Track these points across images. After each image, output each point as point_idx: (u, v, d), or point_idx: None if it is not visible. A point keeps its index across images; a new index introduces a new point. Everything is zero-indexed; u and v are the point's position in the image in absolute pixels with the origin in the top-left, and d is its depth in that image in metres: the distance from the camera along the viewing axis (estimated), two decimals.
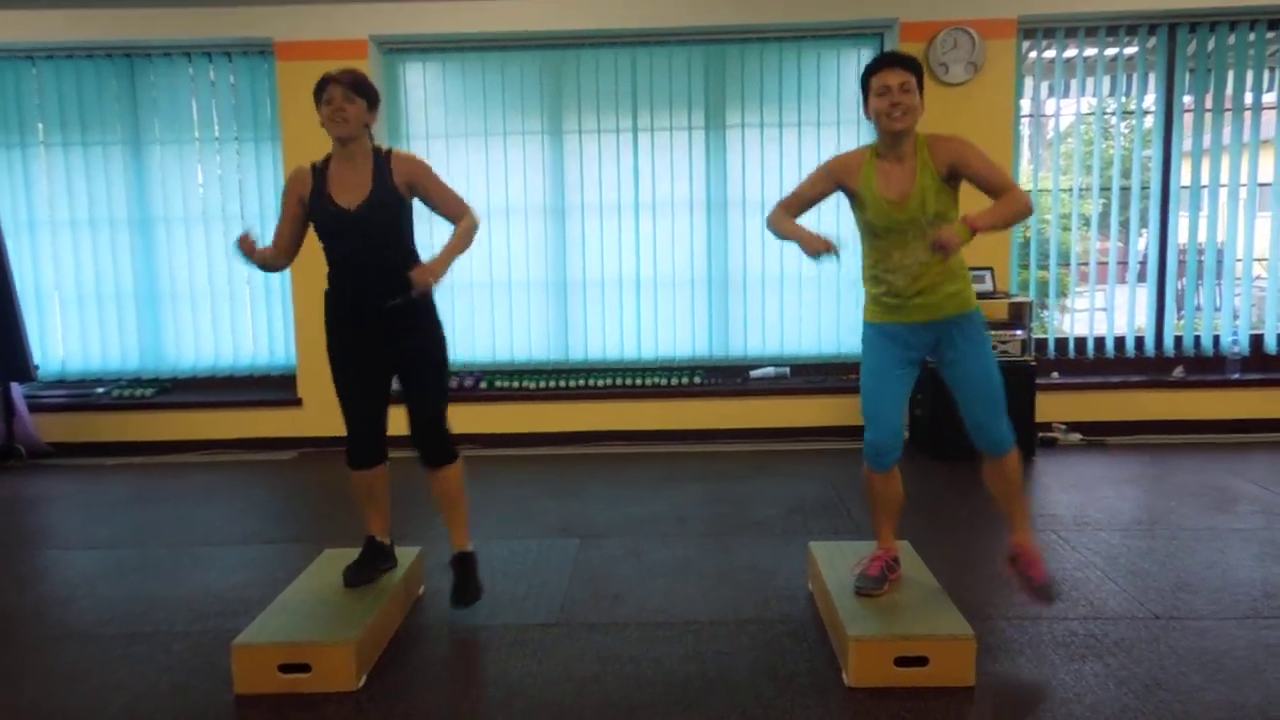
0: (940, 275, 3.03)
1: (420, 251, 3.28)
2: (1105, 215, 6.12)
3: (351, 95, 3.07)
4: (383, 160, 3.17)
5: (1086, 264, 6.14)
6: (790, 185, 6.05)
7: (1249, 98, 5.95)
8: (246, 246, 3.14)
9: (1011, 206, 2.91)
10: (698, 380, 6.17)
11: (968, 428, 3.15)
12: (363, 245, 3.15)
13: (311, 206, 3.18)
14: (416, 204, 3.27)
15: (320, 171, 3.19)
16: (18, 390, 5.98)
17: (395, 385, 3.33)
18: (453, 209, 3.26)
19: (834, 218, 5.23)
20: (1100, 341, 6.20)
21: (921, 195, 2.97)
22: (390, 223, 3.17)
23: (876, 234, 3.06)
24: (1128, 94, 6.09)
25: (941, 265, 3.02)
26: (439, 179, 3.26)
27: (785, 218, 3.16)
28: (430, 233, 3.83)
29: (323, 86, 3.09)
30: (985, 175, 2.97)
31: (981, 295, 5.54)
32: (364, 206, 3.11)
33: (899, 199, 2.98)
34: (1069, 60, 5.99)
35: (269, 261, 3.28)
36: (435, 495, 3.42)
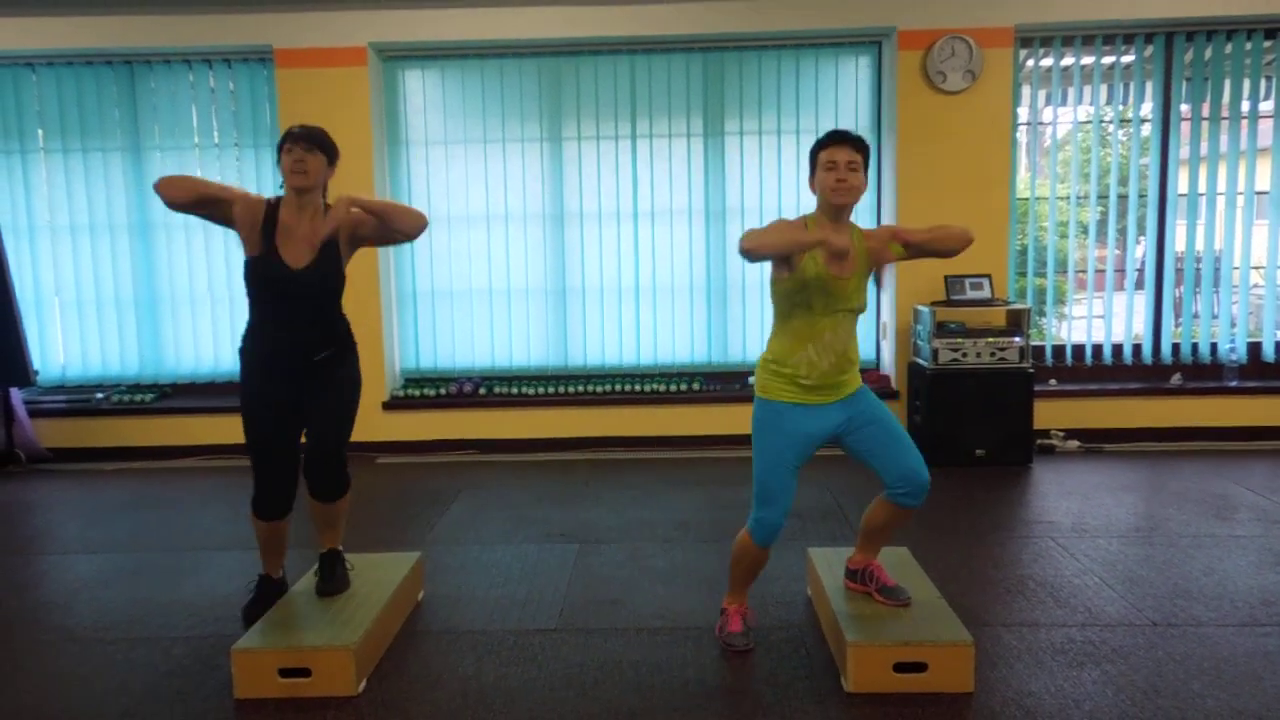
0: (849, 359, 3.03)
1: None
2: (1103, 223, 6.14)
3: (313, 149, 3.11)
4: (330, 231, 3.12)
5: (1084, 271, 6.15)
6: (789, 192, 6.14)
7: (1246, 106, 5.97)
8: None
9: (948, 229, 2.99)
10: (697, 386, 6.18)
11: (898, 478, 3.03)
12: (303, 305, 3.17)
13: (256, 260, 3.14)
14: None
15: (270, 216, 3.15)
16: (17, 395, 5.99)
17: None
18: (401, 211, 3.21)
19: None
20: (1098, 349, 6.21)
21: (859, 276, 3.01)
22: (332, 286, 3.22)
23: (813, 309, 2.97)
24: (1125, 102, 6.12)
25: (853, 346, 3.05)
26: (368, 212, 3.17)
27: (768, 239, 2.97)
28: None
29: (286, 139, 3.13)
30: (919, 229, 3.04)
31: (979, 303, 5.61)
32: (309, 269, 3.14)
33: (840, 274, 2.97)
34: (1066, 68, 6.02)
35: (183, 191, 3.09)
36: (316, 518, 3.40)
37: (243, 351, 3.27)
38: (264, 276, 3.15)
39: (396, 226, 3.17)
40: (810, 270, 2.95)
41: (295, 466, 3.32)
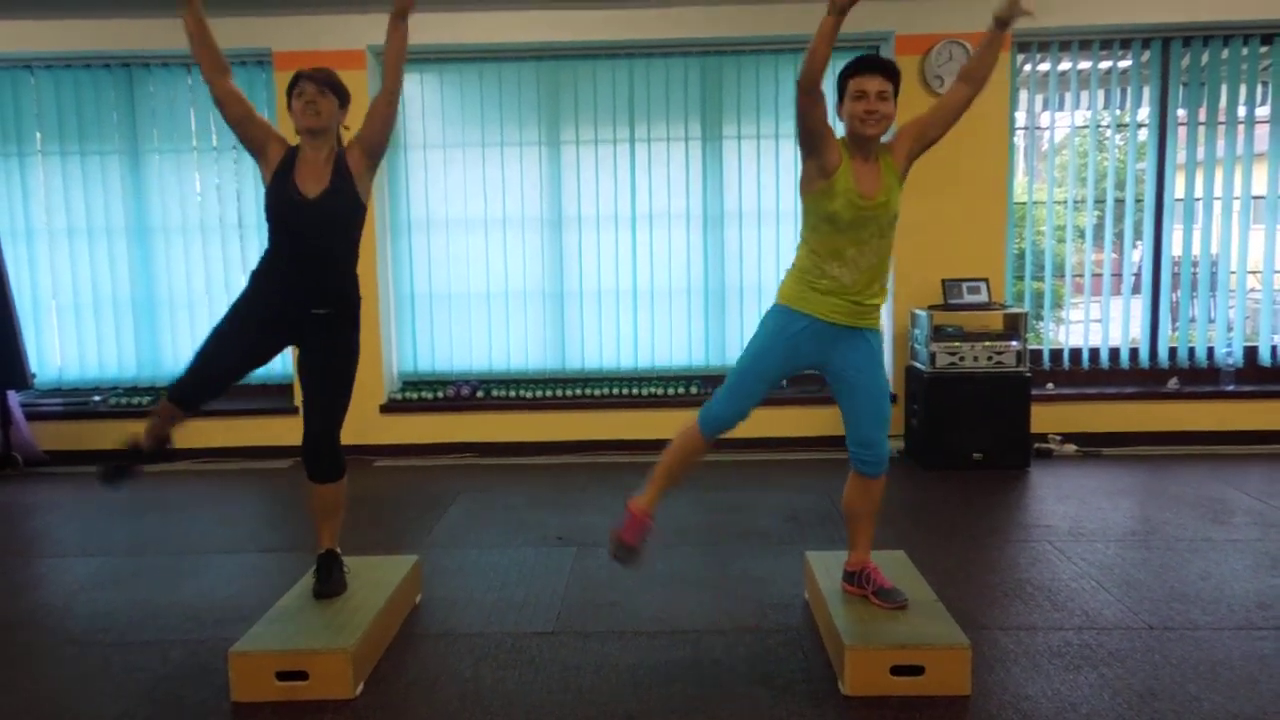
0: (878, 286, 3.06)
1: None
2: (1100, 227, 6.15)
3: (325, 90, 3.15)
4: (342, 156, 3.20)
5: (1081, 276, 6.17)
6: (787, 196, 6.14)
7: (1242, 111, 5.99)
8: None
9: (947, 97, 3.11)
10: (694, 390, 6.18)
11: (852, 442, 3.12)
12: (316, 235, 3.16)
13: (273, 190, 3.17)
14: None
15: (291, 156, 3.21)
16: (15, 398, 5.98)
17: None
18: (381, 106, 3.26)
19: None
20: (1095, 353, 6.22)
21: (888, 194, 3.00)
22: (344, 216, 3.19)
23: (839, 227, 2.99)
24: (1122, 107, 6.14)
25: (881, 274, 3.06)
26: (366, 123, 3.25)
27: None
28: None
29: (296, 81, 3.16)
30: (930, 115, 3.09)
31: (977, 307, 5.61)
32: (323, 196, 3.13)
33: (868, 194, 2.98)
34: (1064, 73, 6.03)
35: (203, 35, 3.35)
36: (313, 506, 3.39)
37: (251, 276, 3.28)
38: (277, 202, 3.16)
39: (383, 111, 3.23)
40: (840, 184, 2.97)
41: (232, 374, 3.28)
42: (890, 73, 2.96)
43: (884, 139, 3.06)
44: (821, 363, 3.11)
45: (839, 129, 3.05)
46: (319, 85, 3.13)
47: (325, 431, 3.28)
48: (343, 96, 3.21)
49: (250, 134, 3.23)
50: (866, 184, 2.99)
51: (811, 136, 2.96)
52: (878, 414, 3.11)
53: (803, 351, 3.08)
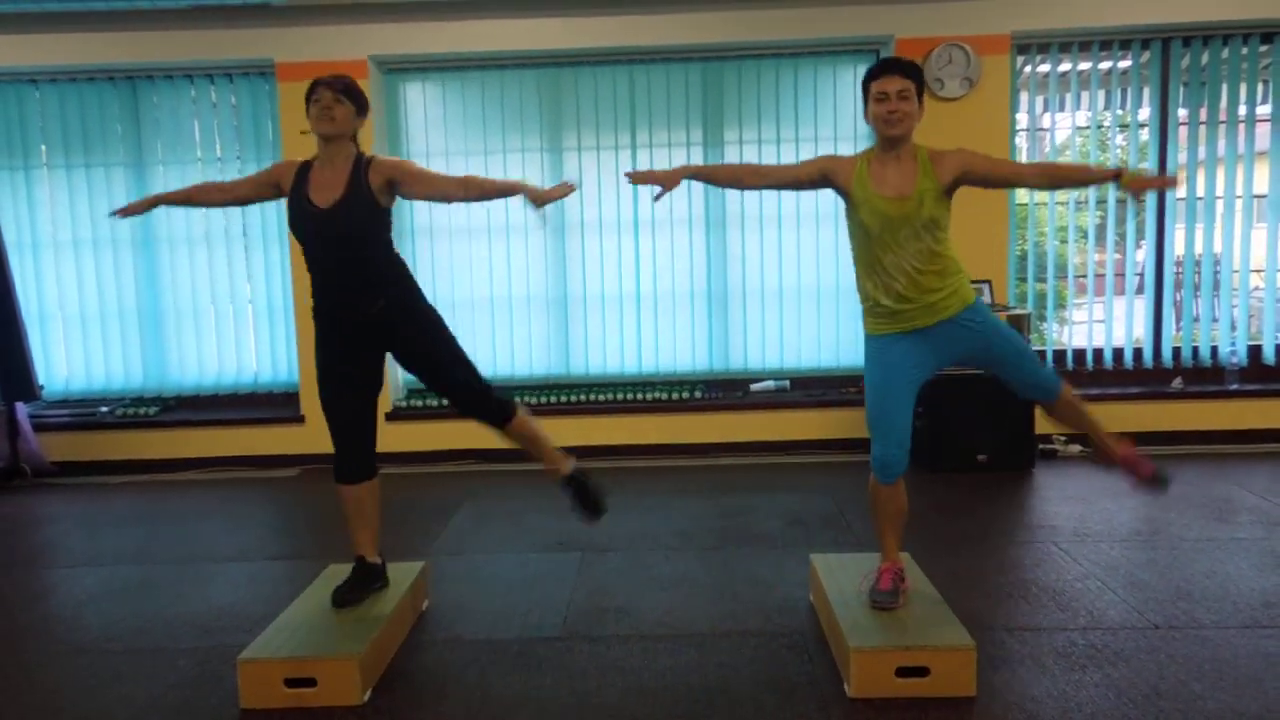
0: (934, 278, 3.04)
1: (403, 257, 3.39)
2: (1103, 227, 6.16)
3: (340, 97, 3.16)
4: (362, 165, 3.21)
5: (1085, 276, 6.17)
6: (789, 200, 6.16)
7: (1243, 110, 5.99)
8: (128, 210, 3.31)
9: (1063, 165, 3.07)
10: (698, 394, 6.19)
11: (1019, 390, 3.21)
12: (335, 244, 3.18)
13: (289, 205, 3.22)
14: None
15: (304, 170, 3.24)
16: (22, 410, 6.00)
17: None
18: (442, 184, 3.29)
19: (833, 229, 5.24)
20: (1099, 353, 6.22)
21: (920, 197, 3.00)
22: (360, 223, 3.18)
23: (870, 235, 3.04)
24: (1123, 107, 6.14)
25: (937, 271, 3.04)
26: (419, 167, 3.31)
27: (743, 168, 3.34)
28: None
29: (314, 88, 3.17)
30: (994, 167, 3.07)
31: None
32: (336, 205, 3.15)
33: (895, 195, 3.00)
34: (1065, 74, 6.04)
35: (195, 197, 3.42)
36: (513, 442, 3.50)
37: (312, 312, 3.32)
38: (295, 218, 3.20)
39: (440, 189, 3.27)
40: (859, 194, 3.02)
41: (363, 433, 3.33)
42: (910, 72, 3.01)
43: (940, 149, 3.07)
44: (941, 361, 3.16)
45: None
46: (335, 92, 3.15)
47: (466, 387, 3.35)
48: (360, 103, 3.22)
49: (267, 193, 3.32)
50: (893, 184, 3.02)
51: (812, 186, 3.18)
52: (1019, 365, 3.14)
53: (908, 363, 3.10)
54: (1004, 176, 3.16)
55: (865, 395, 3.19)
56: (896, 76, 2.99)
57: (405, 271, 3.35)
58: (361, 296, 3.21)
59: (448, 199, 3.34)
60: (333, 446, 3.34)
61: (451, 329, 3.40)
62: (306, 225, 3.19)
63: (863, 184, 3.04)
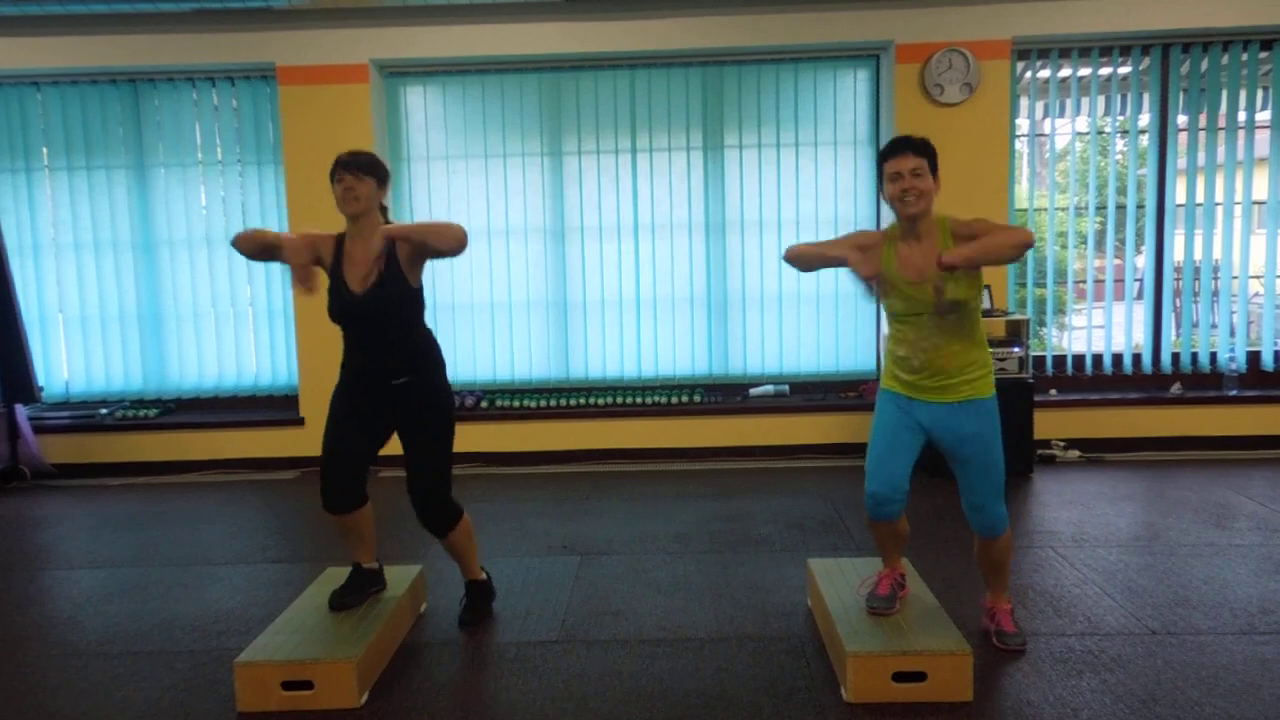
0: (958, 362, 3.02)
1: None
2: (1102, 233, 6.16)
3: (361, 176, 3.19)
4: (394, 246, 3.21)
5: (1084, 281, 6.17)
6: (789, 205, 6.16)
7: (1242, 117, 6.00)
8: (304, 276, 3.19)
9: (995, 238, 2.84)
10: (697, 398, 6.20)
11: (965, 506, 3.15)
12: (371, 325, 3.24)
13: (330, 292, 3.27)
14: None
15: (339, 246, 3.28)
16: (22, 412, 6.02)
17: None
18: (437, 231, 3.23)
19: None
20: (1098, 359, 6.23)
21: (942, 279, 2.94)
22: (395, 306, 3.23)
23: (897, 315, 3.07)
24: (1123, 113, 6.15)
25: (959, 350, 3.01)
26: (416, 224, 3.29)
27: (808, 248, 3.15)
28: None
29: (335, 169, 3.21)
30: (987, 230, 2.92)
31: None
32: (370, 292, 3.20)
33: (917, 279, 2.98)
34: (1064, 80, 6.05)
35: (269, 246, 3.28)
36: (445, 547, 3.54)
37: (340, 365, 3.37)
38: (334, 304, 3.26)
39: (434, 246, 3.19)
40: (890, 276, 3.03)
41: (354, 474, 3.34)
42: (922, 149, 2.95)
43: (963, 219, 3.00)
44: (925, 428, 3.12)
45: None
46: (355, 172, 3.18)
47: (431, 491, 3.38)
48: (380, 176, 3.25)
49: (279, 257, 3.25)
50: (915, 266, 2.99)
51: (842, 265, 3.07)
52: (983, 482, 3.08)
53: (897, 416, 3.12)
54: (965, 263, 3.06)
55: (869, 438, 3.21)
56: (909, 155, 2.94)
57: (435, 353, 3.38)
58: (389, 370, 3.27)
59: (437, 248, 3.26)
60: (321, 478, 3.33)
61: (454, 429, 3.43)
62: (344, 310, 3.24)
63: (889, 266, 3.03)
